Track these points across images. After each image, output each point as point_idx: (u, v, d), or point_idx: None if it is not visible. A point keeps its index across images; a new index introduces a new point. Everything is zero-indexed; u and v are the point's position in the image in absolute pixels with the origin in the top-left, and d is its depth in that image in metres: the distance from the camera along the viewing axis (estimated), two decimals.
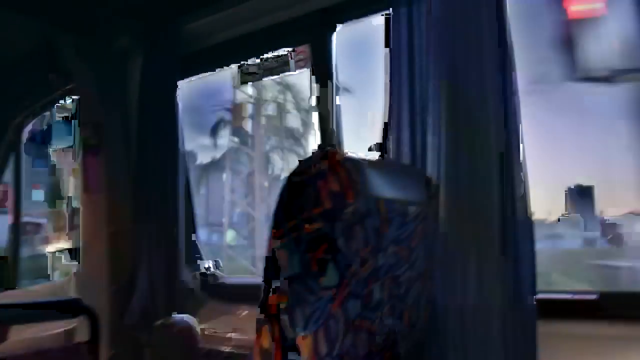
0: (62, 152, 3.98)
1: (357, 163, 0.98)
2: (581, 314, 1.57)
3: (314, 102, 2.07)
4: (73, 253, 3.27)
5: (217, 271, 2.44)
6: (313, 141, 2.03)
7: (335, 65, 2.07)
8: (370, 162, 1.05)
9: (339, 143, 2.04)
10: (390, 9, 1.75)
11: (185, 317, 1.71)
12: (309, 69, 2.11)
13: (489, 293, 1.48)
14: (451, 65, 1.57)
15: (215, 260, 2.45)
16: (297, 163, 1.00)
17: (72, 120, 3.18)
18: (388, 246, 1.13)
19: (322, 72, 2.05)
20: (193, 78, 2.59)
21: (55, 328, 2.41)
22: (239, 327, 2.13)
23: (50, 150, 4.27)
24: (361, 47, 1.81)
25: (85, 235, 2.58)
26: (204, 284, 2.41)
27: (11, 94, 2.97)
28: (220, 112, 10.74)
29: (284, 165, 11.13)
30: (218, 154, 10.95)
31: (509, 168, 1.49)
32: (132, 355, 2.28)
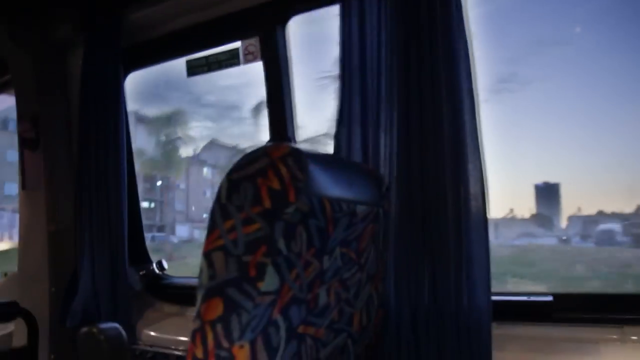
0: None
1: (300, 159, 0.91)
2: (536, 316, 1.55)
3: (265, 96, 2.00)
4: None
5: (163, 271, 2.35)
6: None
7: (289, 58, 2.00)
8: (316, 158, 0.98)
9: (292, 139, 1.98)
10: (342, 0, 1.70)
11: (112, 325, 1.63)
12: (259, 62, 2.03)
13: (443, 295, 1.44)
14: (404, 61, 1.53)
15: (159, 260, 2.35)
16: None
17: None
18: (335, 248, 1.08)
19: (273, 66, 1.98)
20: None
21: None
22: (184, 330, 2.04)
23: None
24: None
25: (24, 234, 2.45)
26: (151, 285, 2.31)
27: None
28: None
29: None
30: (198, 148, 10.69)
31: (464, 166, 1.46)
32: None
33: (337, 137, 1.65)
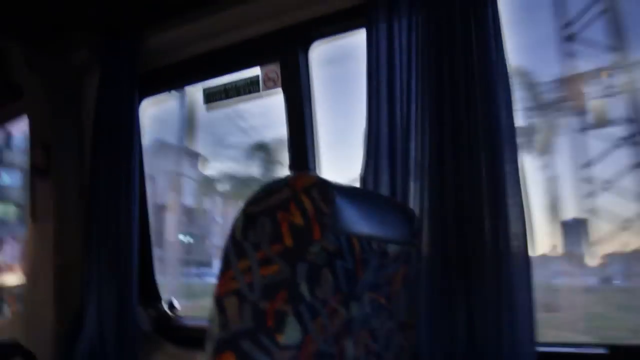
0: None
1: (327, 191, 0.78)
2: None
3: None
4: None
5: (174, 311, 2.21)
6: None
7: (311, 84, 1.90)
8: (343, 190, 0.85)
9: (314, 169, 1.86)
10: (368, 24, 1.59)
11: None
12: (279, 89, 1.93)
13: (481, 343, 1.29)
14: (437, 86, 1.41)
15: (169, 300, 2.22)
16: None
17: None
18: (363, 293, 0.94)
19: (294, 92, 1.87)
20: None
21: None
22: None
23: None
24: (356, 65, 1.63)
25: (31, 268, 2.34)
26: (160, 326, 2.17)
27: None
28: None
29: None
30: None
31: (503, 201, 1.32)
32: None
33: (365, 170, 1.53)
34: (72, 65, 2.36)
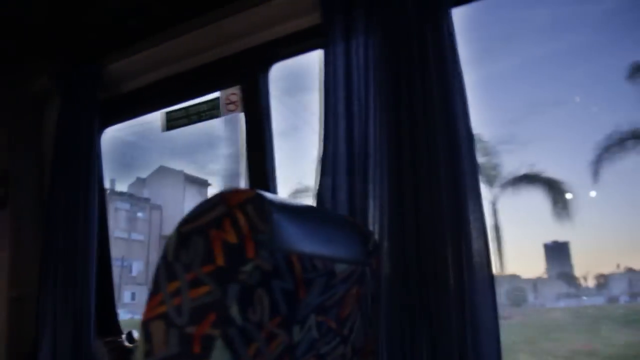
0: None
1: (262, 206, 0.74)
2: None
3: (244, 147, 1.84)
4: None
5: (134, 343, 2.12)
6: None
7: (270, 105, 1.87)
8: (284, 206, 0.81)
9: (275, 190, 1.82)
10: (325, 44, 1.57)
11: None
12: (240, 113, 1.89)
13: None
14: (395, 101, 1.39)
15: (129, 332, 2.13)
16: None
17: None
18: (308, 316, 0.88)
19: (254, 114, 1.84)
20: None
21: None
22: None
23: None
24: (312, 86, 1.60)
25: None
26: (119, 359, 2.09)
27: None
28: None
29: None
30: None
31: (464, 219, 1.29)
32: None
33: (320, 189, 1.48)
34: (33, 93, 2.31)
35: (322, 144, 1.50)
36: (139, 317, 0.79)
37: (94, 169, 2.11)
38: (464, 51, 1.41)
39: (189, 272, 0.71)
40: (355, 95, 1.49)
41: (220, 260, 0.71)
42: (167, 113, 2.12)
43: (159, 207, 21.95)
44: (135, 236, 20.99)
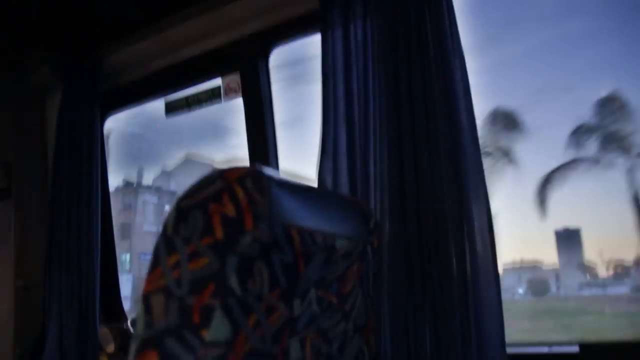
0: None
1: (261, 181, 0.75)
2: None
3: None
4: None
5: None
6: None
7: (271, 90, 1.87)
8: (283, 182, 0.81)
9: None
10: (323, 28, 1.57)
11: None
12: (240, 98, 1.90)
13: (447, 349, 1.24)
14: (395, 85, 1.39)
15: (134, 318, 2.15)
16: None
17: None
18: (308, 290, 0.89)
19: (254, 101, 1.84)
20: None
21: None
22: None
23: None
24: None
25: None
26: (124, 345, 2.10)
27: None
28: None
29: None
30: None
31: (466, 198, 1.29)
32: None
33: (321, 171, 1.49)
34: (34, 84, 2.32)
35: (322, 126, 1.51)
36: None
37: (97, 157, 2.12)
38: (471, 37, 1.41)
39: (189, 245, 0.72)
40: (354, 79, 1.49)
41: (219, 233, 0.71)
42: (168, 101, 2.13)
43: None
44: None
